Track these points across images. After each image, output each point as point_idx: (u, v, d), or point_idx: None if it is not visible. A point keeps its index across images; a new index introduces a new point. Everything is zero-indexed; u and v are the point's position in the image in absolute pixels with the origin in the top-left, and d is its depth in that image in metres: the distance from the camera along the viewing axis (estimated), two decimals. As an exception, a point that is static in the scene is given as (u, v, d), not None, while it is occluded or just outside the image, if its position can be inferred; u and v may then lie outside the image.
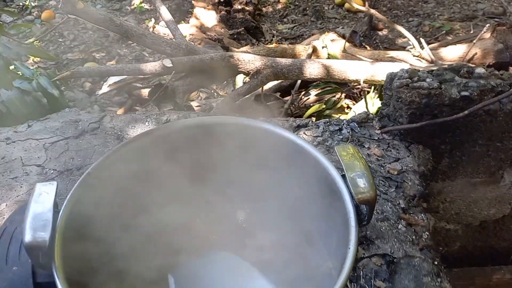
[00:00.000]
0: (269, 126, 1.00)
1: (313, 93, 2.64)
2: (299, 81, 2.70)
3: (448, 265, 1.92)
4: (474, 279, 1.72)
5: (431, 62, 2.62)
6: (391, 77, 1.42)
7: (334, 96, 2.59)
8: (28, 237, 0.72)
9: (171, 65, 2.16)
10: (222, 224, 1.08)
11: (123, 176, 0.92)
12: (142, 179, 0.95)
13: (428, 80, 1.38)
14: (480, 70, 1.44)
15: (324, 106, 2.54)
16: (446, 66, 1.48)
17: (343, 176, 0.86)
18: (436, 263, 1.15)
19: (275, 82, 2.97)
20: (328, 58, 2.78)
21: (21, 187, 1.25)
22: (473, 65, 1.96)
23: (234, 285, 0.99)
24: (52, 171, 1.31)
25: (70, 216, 0.82)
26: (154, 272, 0.91)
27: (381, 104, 1.52)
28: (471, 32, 3.64)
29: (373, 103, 2.38)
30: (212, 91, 3.47)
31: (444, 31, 3.73)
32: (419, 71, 1.43)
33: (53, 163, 1.33)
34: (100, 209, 0.87)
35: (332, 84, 2.60)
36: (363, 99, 2.43)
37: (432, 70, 1.44)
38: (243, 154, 0.98)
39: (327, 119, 1.52)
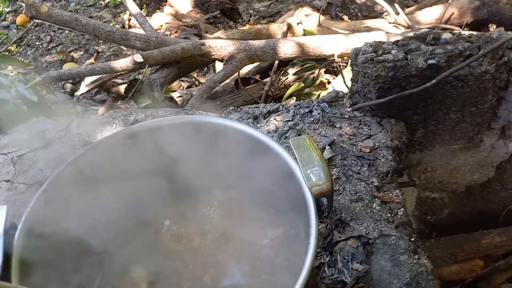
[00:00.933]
0: (221, 121, 0.97)
1: (291, 72, 2.60)
2: (277, 62, 2.67)
3: (439, 234, 1.92)
4: (463, 246, 1.72)
5: (408, 27, 2.58)
6: (356, 52, 1.39)
7: (313, 73, 2.56)
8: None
9: (141, 59, 2.13)
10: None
11: (78, 189, 0.90)
12: (101, 187, 0.93)
13: (393, 52, 1.35)
14: (446, 36, 1.40)
15: (303, 84, 2.51)
16: (412, 35, 1.44)
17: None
18: (412, 239, 1.14)
19: (255, 65, 2.93)
20: (304, 34, 2.74)
21: (-10, 205, 1.23)
22: (444, 28, 1.92)
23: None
24: (21, 185, 1.29)
25: (28, 236, 0.81)
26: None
27: (351, 80, 1.49)
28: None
29: (351, 76, 2.34)
30: (193, 80, 3.43)
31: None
32: (383, 43, 1.39)
33: (22, 176, 1.31)
34: (59, 224, 0.86)
35: (310, 61, 2.56)
36: (340, 74, 2.40)
37: (398, 41, 1.41)
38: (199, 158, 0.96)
39: (297, 102, 1.50)
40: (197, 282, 0.94)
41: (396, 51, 1.35)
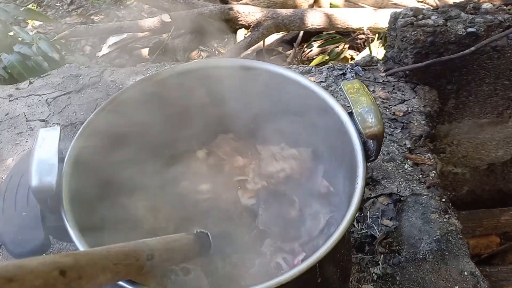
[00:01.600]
0: (271, 67, 0.97)
1: (316, 44, 2.59)
2: (301, 34, 2.65)
3: (457, 210, 1.93)
4: (482, 221, 1.73)
5: (436, 7, 2.55)
6: (395, 16, 1.39)
7: (337, 47, 2.55)
8: (34, 182, 0.72)
9: (169, 20, 2.13)
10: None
11: (123, 123, 0.91)
12: (143, 125, 0.94)
13: (433, 17, 1.34)
14: (487, 6, 1.39)
15: (327, 57, 2.50)
16: (452, 3, 1.43)
17: (350, 114, 0.84)
18: (443, 200, 1.15)
19: (277, 36, 2.92)
20: (330, 7, 2.72)
21: (26, 141, 1.25)
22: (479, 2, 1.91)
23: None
24: (56, 126, 1.30)
25: (76, 161, 0.82)
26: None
27: (385, 46, 1.48)
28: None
29: (377, 52, 2.34)
30: (213, 50, 3.42)
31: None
32: (423, 9, 1.39)
33: (57, 117, 1.32)
34: (104, 154, 0.87)
35: (335, 34, 2.55)
36: (367, 49, 2.39)
37: (437, 8, 1.40)
38: (244, 97, 0.96)
39: (331, 65, 1.50)
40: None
41: (436, 16, 1.34)
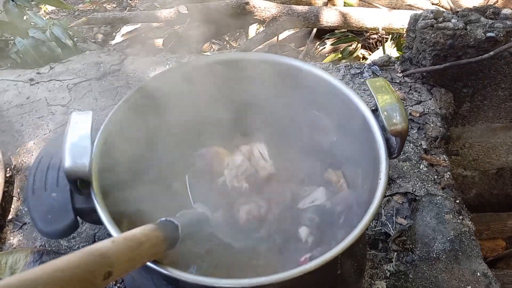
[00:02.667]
0: (297, 63, 0.99)
1: (329, 42, 2.60)
2: (314, 31, 2.66)
3: (463, 212, 1.95)
4: (490, 224, 1.75)
5: (450, 10, 2.56)
6: (415, 18, 1.40)
7: (350, 46, 2.56)
8: (68, 163, 0.74)
9: (186, 11, 2.14)
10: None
11: (149, 110, 0.93)
12: (170, 114, 0.96)
13: (453, 20, 1.35)
14: (506, 11, 1.40)
15: (340, 56, 2.51)
16: (472, 7, 1.44)
17: (374, 111, 0.86)
18: (458, 201, 1.17)
19: (290, 33, 2.93)
20: (344, 6, 2.72)
21: (47, 125, 1.27)
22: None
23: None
24: (76, 111, 1.32)
25: (104, 146, 0.84)
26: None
27: (403, 47, 1.50)
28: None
29: (390, 52, 2.35)
30: (225, 43, 3.43)
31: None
32: (444, 12, 1.40)
33: (77, 103, 1.34)
34: (130, 140, 0.89)
35: (348, 33, 2.56)
36: (380, 49, 2.40)
37: (458, 11, 1.41)
38: (273, 90, 0.98)
39: (348, 63, 1.51)
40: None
41: (456, 20, 1.36)
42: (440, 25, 1.34)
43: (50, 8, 3.83)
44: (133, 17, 2.19)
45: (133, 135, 0.91)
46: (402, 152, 1.26)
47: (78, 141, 0.78)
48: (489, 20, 1.39)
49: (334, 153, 1.03)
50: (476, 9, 1.43)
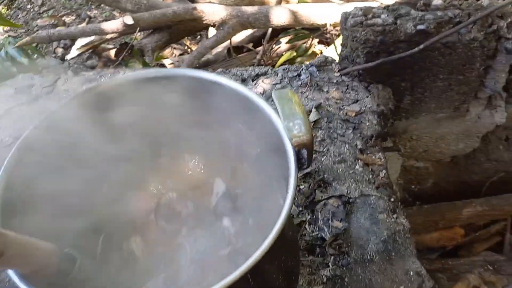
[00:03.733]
0: (216, 78, 0.97)
1: (284, 40, 2.59)
2: (270, 30, 2.65)
3: (422, 203, 1.95)
4: (445, 214, 1.75)
5: (387, 5, 2.56)
6: (346, 16, 1.39)
7: (305, 43, 2.54)
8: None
9: (132, 22, 2.11)
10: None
11: (61, 138, 0.91)
12: (83, 139, 0.94)
13: (382, 16, 1.34)
14: (437, 2, 1.40)
15: (295, 54, 2.50)
16: (403, 0, 1.43)
17: (284, 122, 0.85)
18: (392, 200, 1.16)
19: (247, 33, 2.91)
20: (299, 2, 2.71)
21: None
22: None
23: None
24: (7, 138, 1.29)
25: (10, 176, 0.82)
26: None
27: (340, 45, 1.49)
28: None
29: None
30: (186, 47, 3.41)
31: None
32: (373, 7, 1.39)
33: (9, 130, 1.31)
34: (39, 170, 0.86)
35: (303, 30, 2.54)
36: (333, 43, 2.38)
37: (388, 6, 1.40)
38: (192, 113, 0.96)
39: (286, 66, 1.50)
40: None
41: (386, 15, 1.35)
42: (369, 21, 1.33)
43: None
44: (79, 31, 2.15)
45: (41, 166, 0.88)
46: (337, 154, 1.25)
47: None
48: (420, 12, 1.38)
49: (259, 163, 1.03)
50: (406, 2, 1.42)
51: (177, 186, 1.07)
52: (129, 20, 2.10)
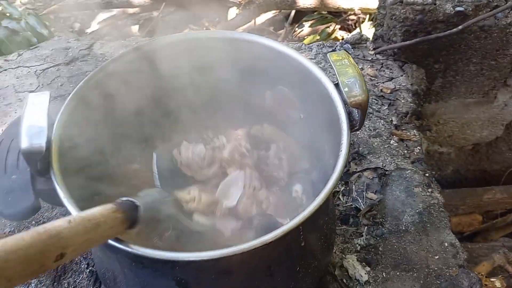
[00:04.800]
0: (257, 38, 0.98)
1: (307, 24, 2.59)
2: (292, 13, 2.65)
3: (442, 189, 1.97)
4: (465, 199, 1.77)
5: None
6: (385, -6, 1.40)
7: (328, 27, 2.55)
8: (25, 144, 0.73)
9: (160, -4, 2.11)
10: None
11: (112, 90, 0.92)
12: (132, 93, 0.95)
13: (422, -4, 1.35)
14: (476, -15, 1.40)
15: (318, 38, 2.50)
16: (441, -18, 1.44)
17: (336, 85, 0.86)
18: (427, 175, 1.17)
19: (269, 16, 2.92)
20: (323, -12, 2.71)
21: (15, 112, 1.25)
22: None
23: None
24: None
25: (65, 126, 0.83)
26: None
27: (375, 25, 1.49)
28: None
29: (368, 33, 2.34)
30: (204, 28, 3.41)
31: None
32: (413, -13, 1.39)
33: (46, 89, 1.32)
34: (92, 119, 0.88)
35: (326, 15, 2.55)
36: (358, 30, 2.39)
37: (427, -14, 1.41)
38: (235, 67, 0.97)
39: (321, 42, 1.51)
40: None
41: (426, -5, 1.35)
42: (409, 0, 1.34)
43: (25, -2, 3.77)
44: (107, 3, 2.16)
45: (94, 117, 0.90)
46: (373, 128, 1.27)
47: (34, 122, 0.77)
48: (459, -5, 1.39)
49: (302, 129, 1.04)
50: (445, -16, 1.43)
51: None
52: (157, -7, 2.11)
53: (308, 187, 0.97)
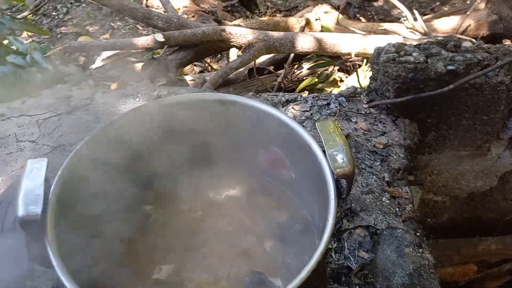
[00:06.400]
0: (254, 103, 1.02)
1: (306, 66, 2.65)
2: (292, 55, 2.71)
3: (437, 236, 1.98)
4: (460, 249, 1.78)
5: (425, 34, 2.62)
6: (378, 51, 1.44)
7: (327, 70, 2.61)
8: (21, 212, 0.76)
9: (163, 39, 2.17)
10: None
11: (112, 153, 0.95)
12: (132, 156, 0.98)
13: (414, 54, 1.39)
14: (467, 44, 1.45)
15: (316, 80, 2.55)
16: (434, 40, 1.48)
17: (324, 152, 0.89)
18: (418, 234, 1.19)
19: (269, 56, 2.98)
20: (322, 31, 2.78)
21: (16, 162, 1.28)
22: (460, 38, 1.97)
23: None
24: (45, 147, 1.33)
25: (62, 190, 0.85)
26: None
27: (370, 78, 1.53)
28: (467, 2, 3.62)
29: (365, 75, 2.39)
30: (206, 65, 3.47)
31: (439, 2, 3.71)
32: (405, 45, 1.44)
33: (46, 138, 1.35)
34: (90, 184, 0.90)
35: (325, 57, 2.60)
36: (355, 73, 2.44)
37: (419, 44, 1.45)
38: (226, 132, 1.01)
39: (316, 94, 1.54)
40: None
41: (418, 53, 1.40)
42: (401, 58, 1.38)
43: (32, 31, 3.85)
44: (111, 44, 2.22)
45: (92, 180, 0.92)
46: (365, 185, 1.29)
47: (31, 189, 0.80)
48: (450, 53, 1.43)
49: (293, 189, 1.07)
50: (437, 42, 1.47)
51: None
52: (160, 37, 2.16)
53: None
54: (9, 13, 3.84)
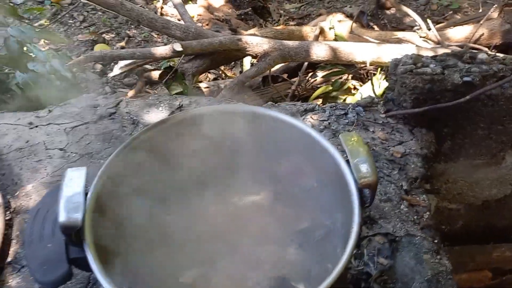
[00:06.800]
0: (279, 115, 1.06)
1: (320, 74, 2.69)
2: (306, 63, 2.75)
3: (451, 244, 2.00)
4: (475, 256, 1.80)
5: (438, 43, 2.65)
6: (396, 63, 1.47)
7: (341, 78, 2.64)
8: (62, 218, 0.81)
9: (181, 49, 2.22)
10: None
11: (143, 162, 0.99)
12: (162, 164, 1.02)
13: (431, 66, 1.43)
14: (482, 56, 1.48)
15: (330, 88, 2.59)
16: (450, 51, 1.52)
17: (347, 162, 0.92)
18: (436, 241, 1.22)
19: (283, 64, 3.02)
20: (335, 39, 2.82)
21: (45, 169, 1.33)
22: (476, 50, 2.00)
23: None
24: (74, 155, 1.38)
25: (98, 198, 0.90)
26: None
27: (386, 88, 1.57)
28: (480, 10, 3.64)
29: (379, 84, 2.43)
30: (220, 72, 3.52)
31: (452, 11, 3.73)
32: (422, 57, 1.47)
33: (74, 146, 1.40)
34: (125, 191, 0.95)
35: (339, 65, 2.64)
36: (370, 81, 2.47)
37: (436, 56, 1.49)
38: (255, 143, 1.05)
39: (334, 104, 1.58)
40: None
41: (434, 65, 1.43)
42: (419, 70, 1.42)
43: (50, 38, 3.93)
44: (130, 54, 2.27)
45: (126, 188, 0.97)
46: (384, 193, 1.32)
47: (71, 197, 0.85)
48: (466, 65, 1.46)
49: (315, 197, 1.11)
50: (453, 54, 1.50)
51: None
52: (178, 47, 2.22)
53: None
54: (27, 21, 3.93)
